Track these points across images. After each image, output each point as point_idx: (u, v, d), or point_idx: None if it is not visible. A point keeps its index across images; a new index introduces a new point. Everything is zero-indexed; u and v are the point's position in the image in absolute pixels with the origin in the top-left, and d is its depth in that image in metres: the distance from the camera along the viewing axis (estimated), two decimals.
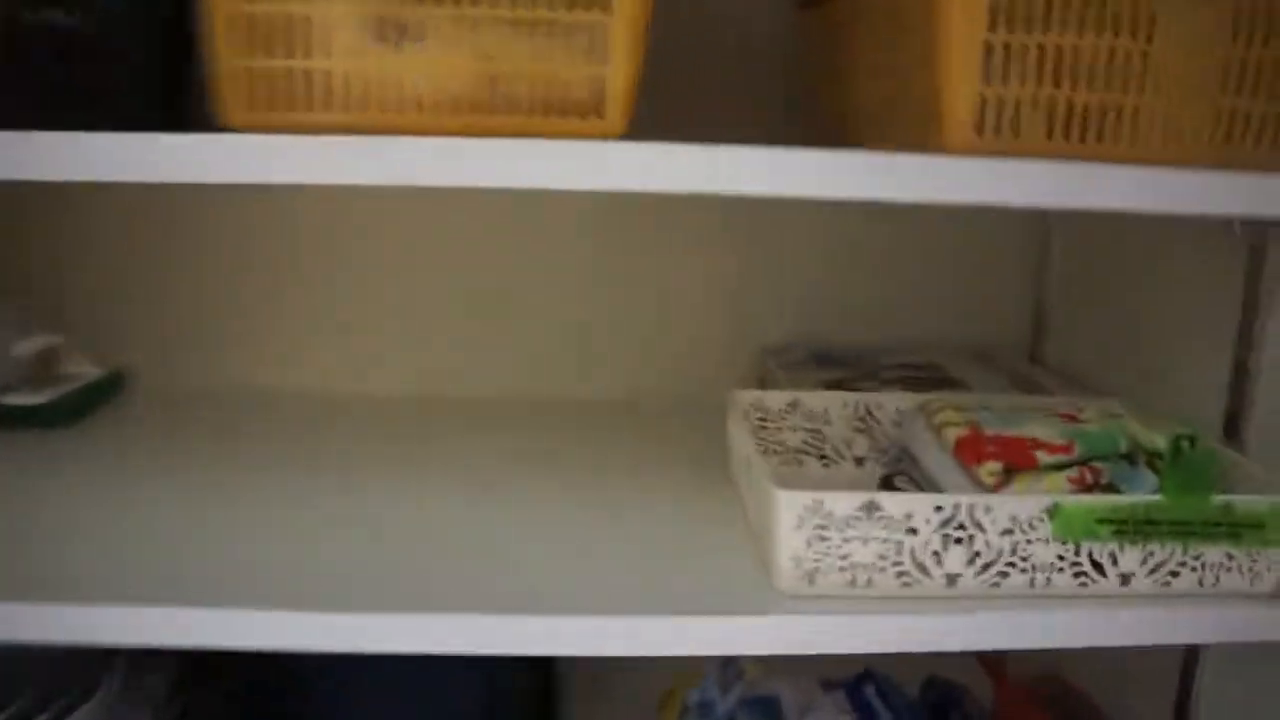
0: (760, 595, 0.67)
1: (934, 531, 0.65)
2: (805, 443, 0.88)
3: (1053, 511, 0.65)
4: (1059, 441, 0.71)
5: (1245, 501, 0.66)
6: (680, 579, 0.69)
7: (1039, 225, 1.12)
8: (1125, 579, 0.67)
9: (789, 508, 0.65)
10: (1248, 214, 0.64)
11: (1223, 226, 0.76)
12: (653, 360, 1.12)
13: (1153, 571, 0.67)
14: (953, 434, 0.76)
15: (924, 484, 0.80)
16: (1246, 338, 0.76)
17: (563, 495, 0.82)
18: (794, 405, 0.88)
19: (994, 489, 0.69)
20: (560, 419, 1.03)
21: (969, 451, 0.73)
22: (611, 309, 1.12)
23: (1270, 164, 0.63)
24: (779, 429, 0.88)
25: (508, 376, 1.11)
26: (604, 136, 0.60)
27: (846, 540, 0.65)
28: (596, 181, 0.58)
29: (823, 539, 0.65)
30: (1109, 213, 0.61)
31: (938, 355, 1.05)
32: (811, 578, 0.66)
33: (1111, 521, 0.65)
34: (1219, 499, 0.66)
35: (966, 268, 1.12)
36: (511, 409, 1.05)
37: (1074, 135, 0.62)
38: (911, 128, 0.66)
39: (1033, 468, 0.70)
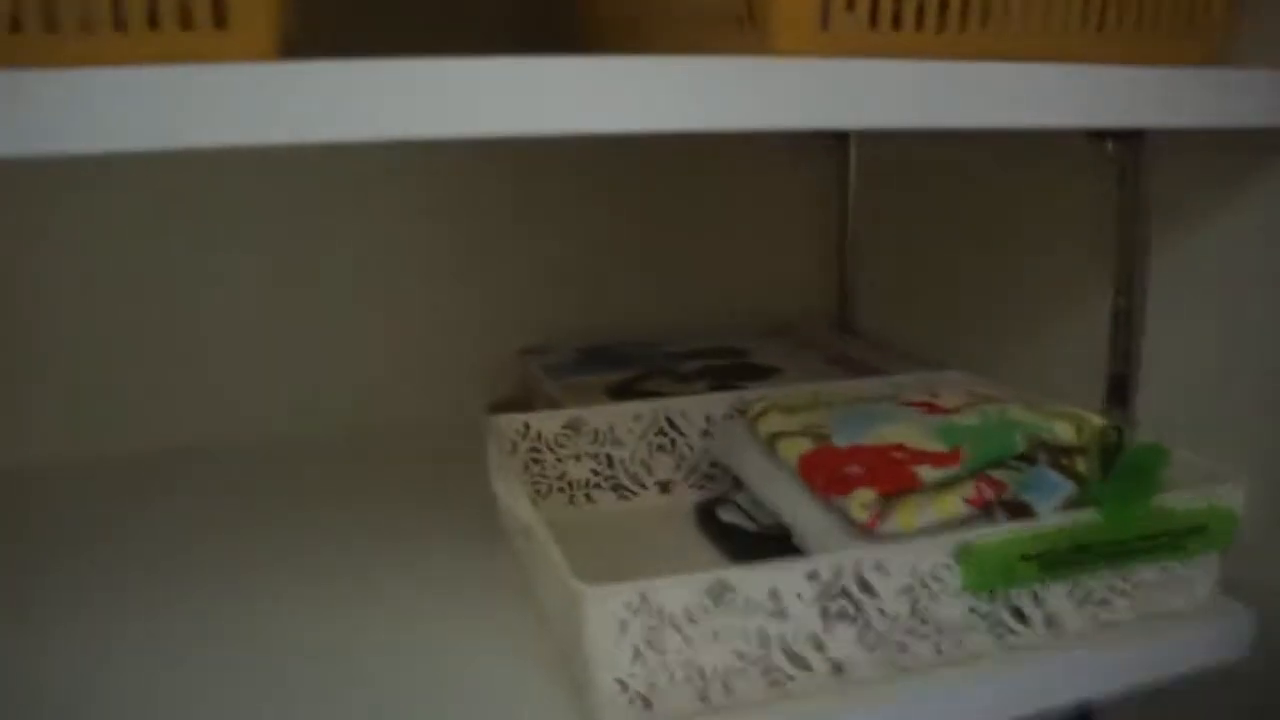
0: None
1: (810, 607, 0.46)
2: (594, 472, 0.67)
3: (962, 554, 0.47)
4: (938, 448, 0.53)
5: (1186, 502, 0.51)
6: None
7: (832, 152, 0.92)
8: (1051, 621, 0.50)
9: (602, 614, 0.43)
10: (1149, 123, 0.48)
11: (1088, 143, 0.60)
12: (377, 381, 0.85)
13: (1081, 605, 0.51)
14: (793, 451, 0.57)
15: (757, 515, 0.61)
16: (1127, 282, 0.61)
17: (268, 591, 0.56)
18: (574, 426, 0.66)
19: (869, 526, 0.51)
20: (265, 466, 0.75)
21: (823, 476, 0.54)
22: (299, 316, 0.83)
23: (1149, 55, 0.47)
24: (558, 460, 0.66)
25: (192, 417, 0.81)
26: (238, 58, 0.35)
27: (689, 641, 0.44)
28: (235, 131, 0.34)
29: (654, 644, 0.44)
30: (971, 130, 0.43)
31: (732, 336, 0.86)
32: (647, 700, 0.45)
33: (1037, 557, 0.48)
34: (1156, 503, 0.50)
35: (748, 217, 0.92)
36: (197, 458, 0.76)
37: (931, 23, 0.43)
38: (714, 25, 0.45)
39: (915, 489, 0.52)
